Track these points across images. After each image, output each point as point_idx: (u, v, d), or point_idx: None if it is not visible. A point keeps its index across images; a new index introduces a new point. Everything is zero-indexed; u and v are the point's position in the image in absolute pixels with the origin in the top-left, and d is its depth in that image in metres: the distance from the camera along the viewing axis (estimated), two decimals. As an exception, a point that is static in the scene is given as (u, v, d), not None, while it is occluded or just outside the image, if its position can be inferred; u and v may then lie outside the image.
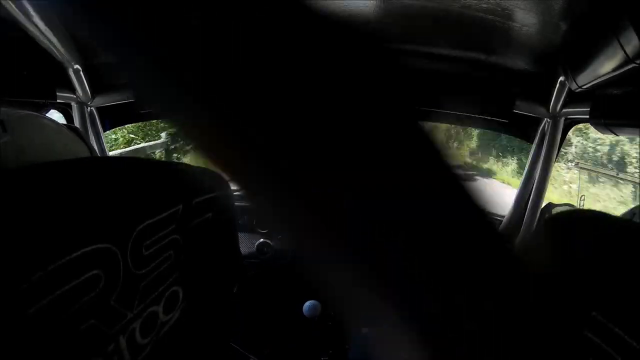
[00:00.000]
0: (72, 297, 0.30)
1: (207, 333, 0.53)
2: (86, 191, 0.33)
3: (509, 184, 5.06)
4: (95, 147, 1.10)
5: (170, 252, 0.42)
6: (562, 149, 1.15)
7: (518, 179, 1.31)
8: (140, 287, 0.38)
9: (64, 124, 0.46)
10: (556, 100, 1.01)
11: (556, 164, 1.18)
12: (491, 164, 6.26)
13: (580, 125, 1.17)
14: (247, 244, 1.25)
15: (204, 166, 0.49)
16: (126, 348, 0.35)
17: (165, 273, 0.41)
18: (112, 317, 0.34)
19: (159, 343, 0.41)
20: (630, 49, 0.60)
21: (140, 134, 4.14)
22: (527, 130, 1.18)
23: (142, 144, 4.01)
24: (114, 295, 0.34)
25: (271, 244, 1.26)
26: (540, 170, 1.13)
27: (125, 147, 3.77)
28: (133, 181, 0.38)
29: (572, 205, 1.16)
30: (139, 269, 0.37)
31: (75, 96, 0.99)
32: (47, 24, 0.73)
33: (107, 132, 1.22)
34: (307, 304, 1.16)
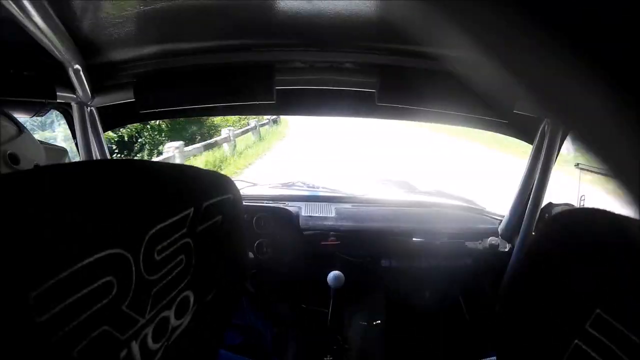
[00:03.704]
0: (85, 304, 0.30)
1: (218, 336, 0.53)
2: (98, 196, 0.33)
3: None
4: (96, 148, 1.10)
5: (181, 257, 0.42)
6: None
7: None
8: (152, 292, 0.37)
9: None
10: None
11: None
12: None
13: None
14: (247, 243, 1.25)
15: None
16: (138, 353, 0.35)
17: (176, 278, 0.41)
18: (124, 323, 0.34)
19: (171, 348, 0.41)
20: None
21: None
22: (527, 130, 1.18)
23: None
24: (126, 301, 0.34)
25: (271, 243, 1.26)
26: (540, 170, 1.13)
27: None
28: (144, 185, 0.38)
29: (572, 205, 1.16)
30: (151, 275, 0.37)
31: (75, 96, 0.99)
32: (47, 24, 0.72)
33: (107, 132, 1.22)
34: (332, 274, 1.17)
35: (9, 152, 0.42)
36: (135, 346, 0.35)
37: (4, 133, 0.44)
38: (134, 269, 0.34)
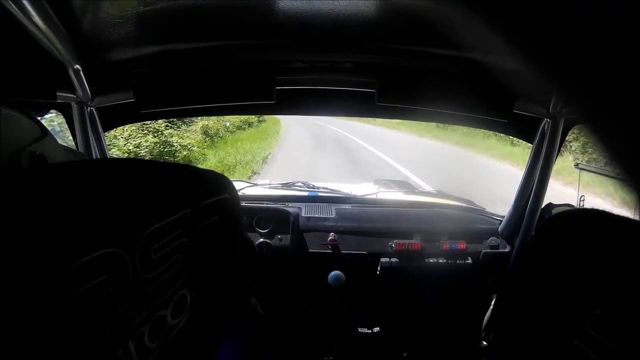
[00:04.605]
0: (81, 302, 0.30)
1: (216, 336, 0.53)
2: (95, 195, 0.33)
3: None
4: (95, 148, 1.10)
5: (178, 256, 0.42)
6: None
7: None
8: (148, 291, 0.38)
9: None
10: (556, 100, 1.01)
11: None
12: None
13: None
14: (247, 243, 1.25)
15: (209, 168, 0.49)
16: (135, 352, 0.35)
17: (173, 277, 0.41)
18: (120, 321, 0.34)
19: (168, 347, 0.41)
20: None
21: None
22: (527, 130, 1.18)
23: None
24: (122, 299, 0.34)
25: (271, 243, 1.26)
26: (540, 170, 1.13)
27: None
28: (141, 184, 0.38)
29: (572, 205, 1.16)
30: (147, 273, 0.37)
31: (75, 96, 0.99)
32: (47, 24, 0.72)
33: (107, 132, 1.22)
34: (332, 274, 1.22)
35: (37, 152, 0.41)
36: (131, 345, 0.35)
37: (30, 133, 0.42)
38: (130, 267, 0.35)
